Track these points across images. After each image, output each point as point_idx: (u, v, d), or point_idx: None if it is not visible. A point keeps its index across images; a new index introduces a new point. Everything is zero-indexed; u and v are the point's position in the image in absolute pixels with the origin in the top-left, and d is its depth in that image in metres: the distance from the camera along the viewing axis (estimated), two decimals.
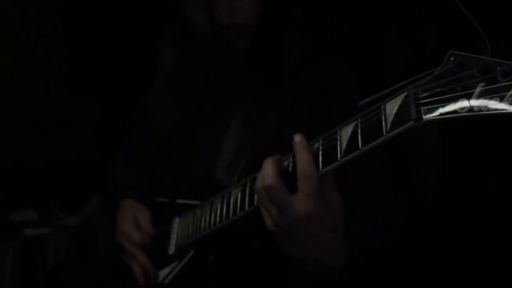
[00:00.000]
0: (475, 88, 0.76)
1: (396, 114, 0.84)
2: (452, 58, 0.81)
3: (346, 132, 0.93)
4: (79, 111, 2.45)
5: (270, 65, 1.39)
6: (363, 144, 0.88)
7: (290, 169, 1.00)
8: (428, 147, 1.44)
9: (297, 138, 0.98)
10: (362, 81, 1.38)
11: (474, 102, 0.75)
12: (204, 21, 1.37)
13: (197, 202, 1.38)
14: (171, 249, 1.44)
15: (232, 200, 1.18)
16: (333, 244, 1.03)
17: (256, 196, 1.07)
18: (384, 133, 0.84)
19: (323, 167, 0.95)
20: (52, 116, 2.40)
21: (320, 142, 0.98)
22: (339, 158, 0.92)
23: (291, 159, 1.01)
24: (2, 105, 2.30)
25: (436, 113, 0.79)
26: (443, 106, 0.78)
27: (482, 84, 0.75)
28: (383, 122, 0.85)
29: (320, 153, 0.96)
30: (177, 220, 1.46)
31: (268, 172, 0.98)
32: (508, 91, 0.73)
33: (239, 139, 1.40)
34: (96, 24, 2.36)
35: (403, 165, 1.41)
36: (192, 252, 1.38)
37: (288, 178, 0.98)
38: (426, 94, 0.81)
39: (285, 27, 1.42)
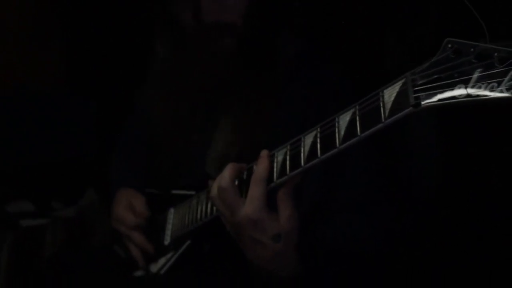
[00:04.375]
0: (472, 74, 0.77)
1: (394, 101, 0.85)
2: (449, 45, 0.82)
3: (344, 120, 0.94)
4: (78, 107, 2.46)
5: (260, 65, 1.39)
6: (362, 130, 0.89)
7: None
8: (424, 143, 1.45)
9: (263, 152, 1.08)
10: (359, 77, 1.39)
11: (472, 88, 0.77)
12: (190, 19, 1.37)
13: (193, 193, 1.39)
14: (167, 240, 1.44)
15: None
16: (280, 255, 1.09)
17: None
18: (383, 120, 0.86)
19: (321, 154, 0.96)
20: (50, 112, 2.41)
21: (318, 130, 0.99)
22: (337, 145, 0.93)
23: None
24: (2, 103, 2.30)
25: (434, 98, 0.80)
26: (441, 92, 0.80)
27: (479, 70, 0.77)
28: (381, 109, 0.86)
29: (318, 140, 0.97)
30: (172, 210, 1.46)
31: (224, 175, 1.09)
32: (505, 76, 0.74)
33: (228, 137, 1.41)
34: (96, 24, 2.37)
35: (398, 162, 1.42)
36: (188, 242, 1.39)
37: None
38: (424, 80, 0.82)
39: (275, 27, 1.42)
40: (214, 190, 1.12)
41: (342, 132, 0.93)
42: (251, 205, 1.05)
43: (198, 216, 1.31)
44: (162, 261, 1.44)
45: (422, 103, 0.81)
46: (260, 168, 1.06)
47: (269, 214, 1.06)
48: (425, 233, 1.43)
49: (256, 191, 1.05)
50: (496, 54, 0.76)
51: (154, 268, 1.45)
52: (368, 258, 1.25)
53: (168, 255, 1.43)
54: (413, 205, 1.38)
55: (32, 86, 2.48)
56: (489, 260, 1.42)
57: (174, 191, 1.47)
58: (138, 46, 1.75)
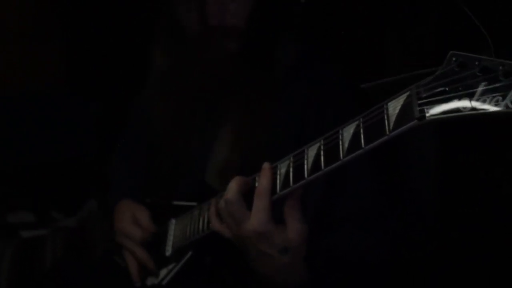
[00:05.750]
0: (477, 88, 0.77)
1: (399, 114, 0.85)
2: (453, 59, 0.82)
3: (348, 132, 0.94)
4: (77, 112, 2.46)
5: (262, 69, 1.39)
6: (366, 143, 0.89)
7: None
8: (426, 154, 1.44)
9: (265, 164, 1.08)
10: (359, 78, 1.39)
11: (476, 101, 0.77)
12: (194, 22, 1.37)
13: (194, 204, 1.39)
14: (168, 251, 1.44)
15: None
16: (287, 267, 1.10)
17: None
18: (387, 132, 0.86)
19: (325, 166, 0.96)
20: (49, 117, 2.41)
21: (322, 142, 0.99)
22: (341, 158, 0.93)
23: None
24: (2, 103, 2.30)
25: (439, 112, 0.80)
26: (445, 105, 0.80)
27: (484, 83, 0.77)
28: (386, 122, 0.86)
29: (322, 152, 0.97)
30: (173, 221, 1.46)
31: (231, 187, 1.09)
32: (510, 90, 0.74)
33: (228, 145, 1.41)
34: (96, 24, 2.37)
35: (400, 174, 1.42)
36: (189, 253, 1.38)
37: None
38: (429, 93, 0.82)
39: (277, 30, 1.42)
40: (222, 203, 1.12)
41: (346, 145, 0.93)
42: (256, 218, 1.06)
43: (200, 227, 1.31)
44: (163, 272, 1.43)
45: (427, 116, 0.81)
46: (263, 180, 1.07)
47: (276, 227, 1.06)
48: (428, 243, 1.42)
49: (260, 204, 1.06)
50: (501, 67, 0.76)
51: (155, 279, 1.45)
52: (371, 268, 1.24)
53: (170, 266, 1.42)
54: (416, 215, 1.38)
55: (32, 86, 2.48)
56: (492, 271, 1.42)
57: (176, 202, 1.47)
58: (138, 46, 1.74)
